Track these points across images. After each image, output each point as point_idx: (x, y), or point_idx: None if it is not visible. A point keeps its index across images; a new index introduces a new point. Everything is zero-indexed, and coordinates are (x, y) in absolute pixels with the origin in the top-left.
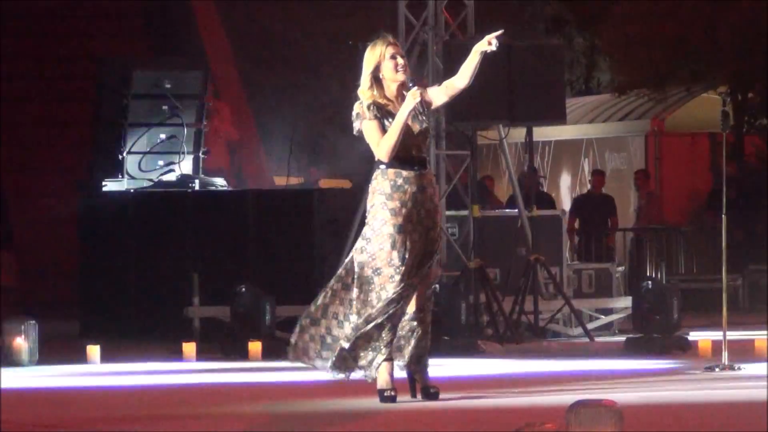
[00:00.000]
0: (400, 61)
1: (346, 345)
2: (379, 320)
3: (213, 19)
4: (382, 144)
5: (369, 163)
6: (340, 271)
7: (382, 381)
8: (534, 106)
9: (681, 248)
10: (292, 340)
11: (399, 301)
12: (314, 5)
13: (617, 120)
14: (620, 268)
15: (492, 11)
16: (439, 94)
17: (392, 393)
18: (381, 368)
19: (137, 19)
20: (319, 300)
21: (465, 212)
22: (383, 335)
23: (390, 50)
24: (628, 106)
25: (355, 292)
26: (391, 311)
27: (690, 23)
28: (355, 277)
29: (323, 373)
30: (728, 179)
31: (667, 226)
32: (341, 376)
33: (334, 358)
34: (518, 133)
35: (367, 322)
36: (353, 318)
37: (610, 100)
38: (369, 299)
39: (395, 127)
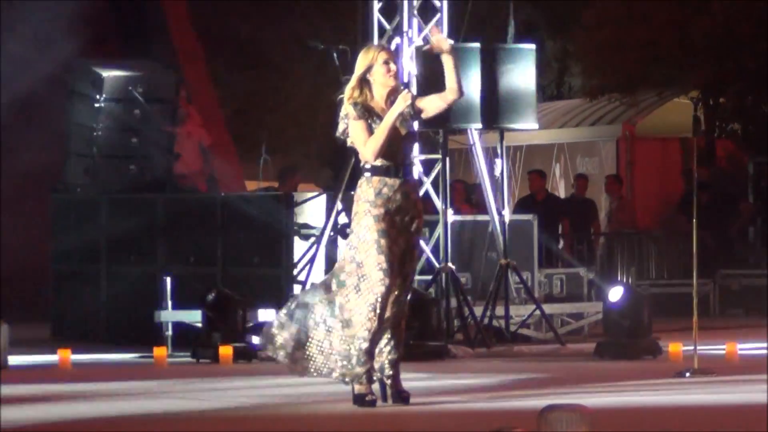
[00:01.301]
0: (393, 67)
1: (341, 356)
2: (370, 327)
3: (185, 22)
4: (369, 144)
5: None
6: (330, 275)
7: (363, 386)
8: (506, 110)
9: (652, 253)
10: (275, 336)
11: (385, 304)
12: (286, 8)
13: (589, 125)
14: (591, 273)
15: (464, 15)
16: (431, 105)
17: (373, 397)
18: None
19: (109, 23)
20: (307, 298)
21: (436, 216)
22: (370, 342)
23: (383, 55)
24: (600, 110)
25: (340, 299)
26: (379, 316)
27: (661, 28)
28: (342, 283)
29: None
30: (699, 184)
31: (638, 230)
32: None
33: (312, 363)
34: (490, 138)
35: (370, 338)
36: (335, 324)
37: (582, 104)
38: (357, 306)
39: (383, 128)
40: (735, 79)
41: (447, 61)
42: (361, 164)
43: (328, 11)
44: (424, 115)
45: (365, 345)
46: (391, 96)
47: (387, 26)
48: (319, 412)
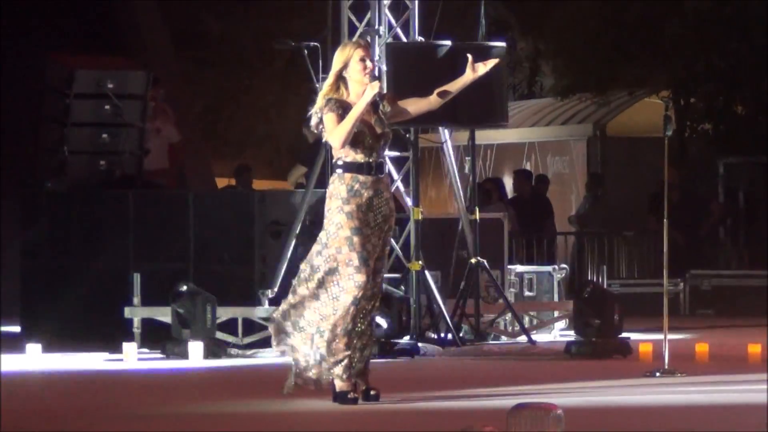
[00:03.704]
0: (369, 64)
1: (310, 354)
2: (342, 325)
3: (155, 19)
4: (336, 131)
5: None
6: (298, 276)
7: (345, 384)
8: (476, 108)
9: (622, 252)
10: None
11: (358, 303)
12: (257, 5)
13: (560, 124)
14: (562, 272)
15: (435, 13)
16: (414, 107)
17: (355, 395)
18: (343, 370)
19: (79, 18)
20: (284, 305)
21: (406, 214)
22: (345, 339)
23: (359, 52)
24: (571, 109)
25: (309, 294)
26: (352, 314)
27: (632, 28)
28: (310, 279)
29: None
30: (670, 184)
31: (608, 229)
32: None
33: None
34: (461, 136)
35: (331, 329)
36: (311, 315)
37: (553, 103)
38: (329, 304)
39: (351, 116)
40: (705, 79)
41: (465, 81)
42: (334, 161)
43: (298, 8)
44: (405, 117)
45: (340, 343)
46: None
47: (357, 23)
48: (288, 410)
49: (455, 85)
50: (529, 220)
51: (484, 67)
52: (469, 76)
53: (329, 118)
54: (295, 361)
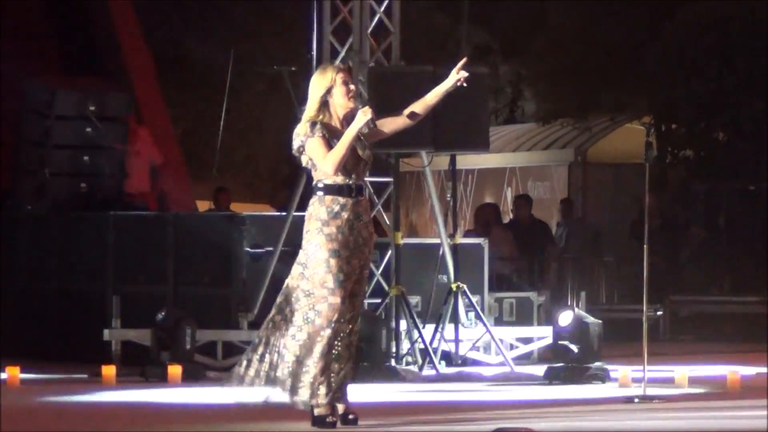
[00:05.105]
0: (352, 87)
1: (284, 373)
2: (318, 349)
3: (137, 41)
4: (329, 157)
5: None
6: (279, 299)
7: (323, 408)
8: (458, 133)
9: (602, 278)
10: (240, 370)
11: (333, 326)
12: (238, 29)
13: (541, 149)
14: (542, 297)
15: (417, 38)
16: (390, 126)
17: (334, 419)
18: (321, 394)
19: (60, 40)
20: (262, 331)
21: (387, 239)
22: (321, 363)
23: (342, 76)
24: (552, 135)
25: (288, 315)
26: (327, 336)
27: (614, 53)
28: (291, 303)
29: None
30: (651, 210)
31: (588, 255)
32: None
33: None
34: (442, 161)
35: (306, 350)
36: (288, 342)
37: (535, 129)
38: (300, 325)
39: (344, 141)
40: (686, 104)
41: (440, 93)
42: (314, 183)
43: (280, 32)
44: (381, 137)
45: (316, 368)
46: (348, 116)
47: (339, 48)
48: None
49: (429, 100)
50: (527, 245)
51: (461, 73)
52: (450, 81)
53: (317, 142)
54: (248, 377)
